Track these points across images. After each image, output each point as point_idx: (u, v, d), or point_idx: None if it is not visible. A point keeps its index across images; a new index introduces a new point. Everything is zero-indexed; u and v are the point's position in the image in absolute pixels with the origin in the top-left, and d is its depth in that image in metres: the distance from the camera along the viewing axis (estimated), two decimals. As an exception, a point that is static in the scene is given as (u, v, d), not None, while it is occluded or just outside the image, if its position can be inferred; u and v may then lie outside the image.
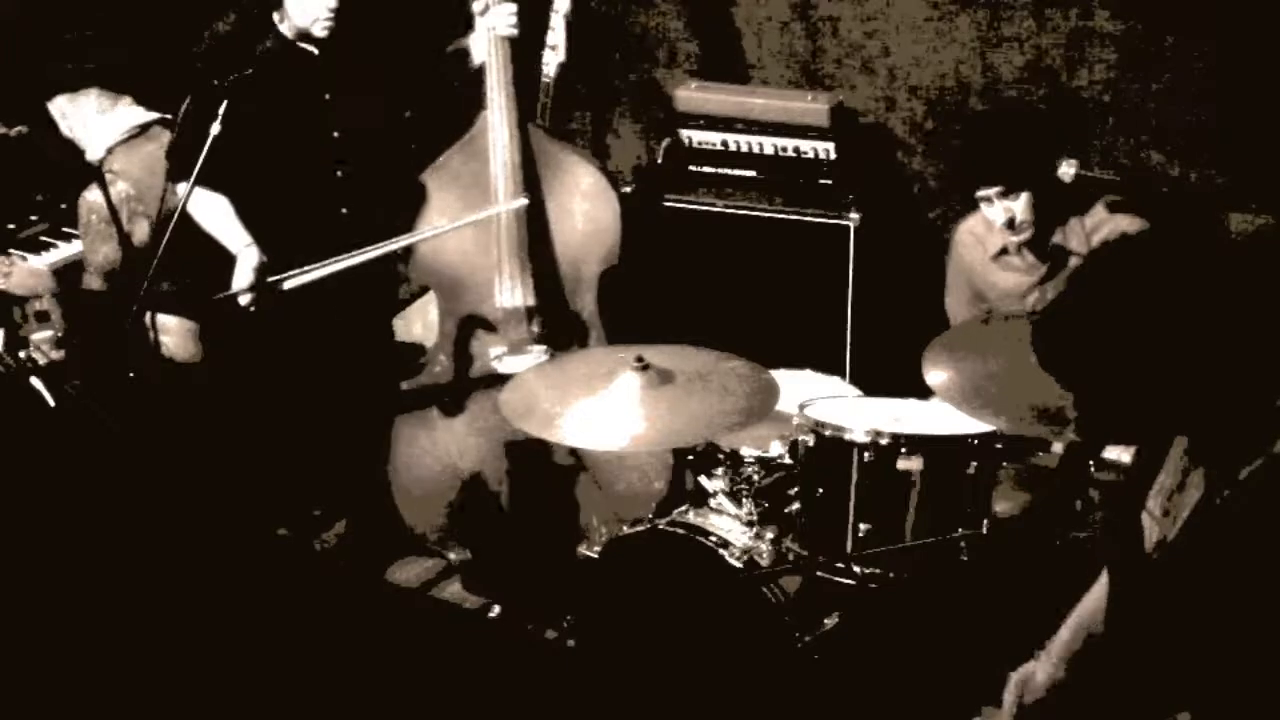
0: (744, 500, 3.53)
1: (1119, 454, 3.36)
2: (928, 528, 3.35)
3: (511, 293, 4.24)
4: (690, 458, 3.68)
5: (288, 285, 3.87)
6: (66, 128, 4.25)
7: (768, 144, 4.76)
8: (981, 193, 3.81)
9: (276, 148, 4.08)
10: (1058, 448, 3.61)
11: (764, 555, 3.41)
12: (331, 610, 3.56)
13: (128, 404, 3.75)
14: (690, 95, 4.88)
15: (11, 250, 4.40)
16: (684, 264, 4.83)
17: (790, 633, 3.28)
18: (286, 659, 3.29)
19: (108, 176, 4.08)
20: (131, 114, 4.26)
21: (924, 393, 3.38)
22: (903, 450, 3.35)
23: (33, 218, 4.64)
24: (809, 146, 4.70)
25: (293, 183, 4.13)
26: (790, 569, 3.41)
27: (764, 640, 3.31)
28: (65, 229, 4.56)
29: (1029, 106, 4.62)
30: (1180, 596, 2.17)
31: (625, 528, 3.66)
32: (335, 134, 4.17)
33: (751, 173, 4.79)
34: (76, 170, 4.27)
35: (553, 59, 4.31)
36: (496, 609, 4.19)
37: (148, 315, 3.76)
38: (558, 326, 4.28)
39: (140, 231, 4.12)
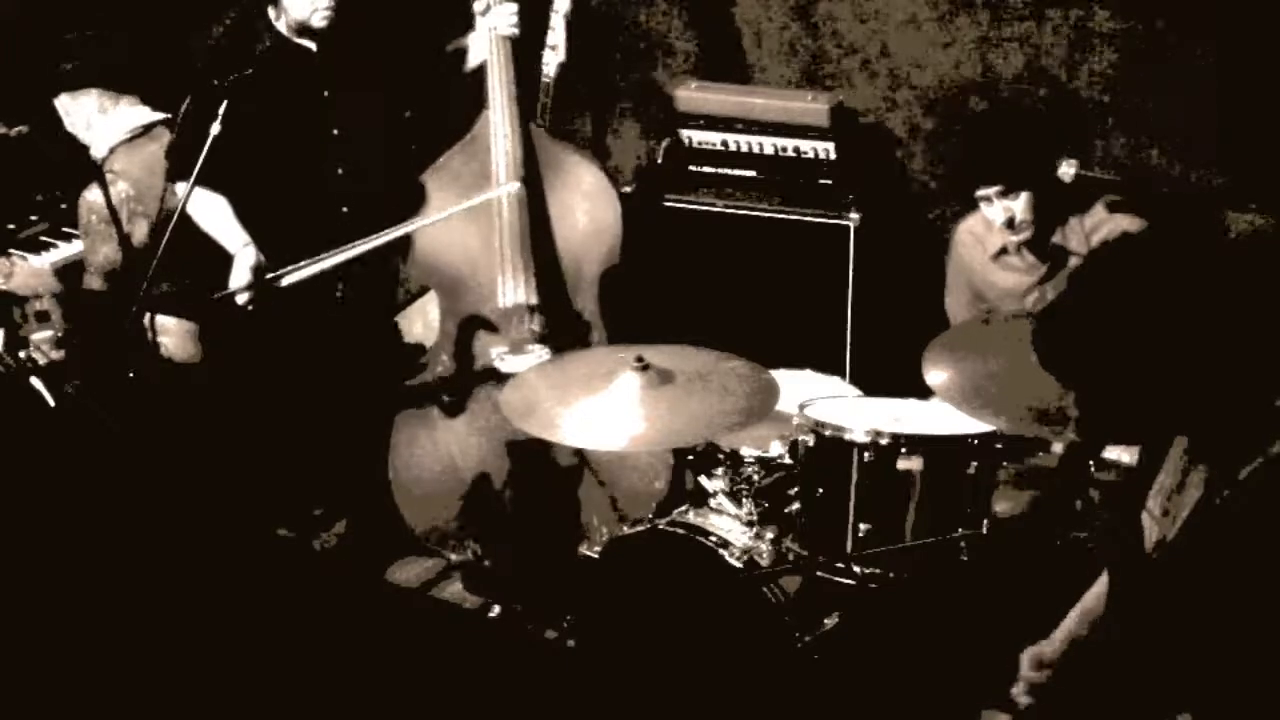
0: (744, 500, 3.53)
1: (1119, 454, 3.36)
2: (928, 528, 3.35)
3: (514, 290, 4.24)
4: (690, 458, 3.68)
5: (285, 282, 3.86)
6: (70, 125, 4.25)
7: (768, 144, 4.76)
8: (981, 192, 3.81)
9: (276, 147, 4.08)
10: (1058, 448, 3.61)
11: (764, 555, 3.41)
12: (331, 610, 3.56)
13: (127, 404, 3.75)
14: (690, 95, 4.88)
15: (12, 250, 4.40)
16: (684, 264, 4.83)
17: (790, 633, 3.28)
18: (286, 659, 3.29)
19: (108, 176, 4.09)
20: (134, 114, 4.25)
21: (924, 393, 3.37)
22: (903, 450, 3.35)
23: (33, 218, 4.63)
24: (809, 146, 4.70)
25: (292, 182, 4.13)
26: (790, 569, 3.41)
27: (764, 640, 3.31)
28: (65, 229, 4.56)
29: (1029, 106, 4.62)
30: (1180, 596, 2.17)
31: (625, 527, 3.66)
32: (335, 132, 4.17)
33: (751, 173, 4.79)
34: (77, 170, 4.27)
35: (553, 59, 4.31)
36: (496, 609, 4.19)
37: (147, 315, 3.76)
38: (559, 326, 4.28)
39: (140, 232, 4.12)
